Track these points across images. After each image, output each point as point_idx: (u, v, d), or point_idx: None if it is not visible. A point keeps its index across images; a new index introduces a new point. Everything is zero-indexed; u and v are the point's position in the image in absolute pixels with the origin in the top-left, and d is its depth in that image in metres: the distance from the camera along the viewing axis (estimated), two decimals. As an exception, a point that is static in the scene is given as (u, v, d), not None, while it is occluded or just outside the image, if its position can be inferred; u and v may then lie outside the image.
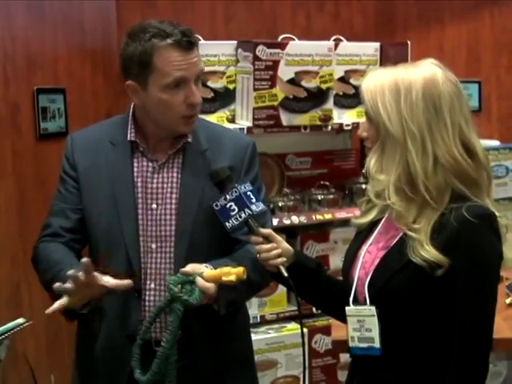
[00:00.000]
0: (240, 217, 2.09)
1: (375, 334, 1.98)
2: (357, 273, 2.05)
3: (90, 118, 3.46)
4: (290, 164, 4.02)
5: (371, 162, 1.98)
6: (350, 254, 2.14)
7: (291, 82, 3.60)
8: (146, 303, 2.30)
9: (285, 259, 2.10)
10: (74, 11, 3.54)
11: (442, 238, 1.89)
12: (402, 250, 1.92)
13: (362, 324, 2.01)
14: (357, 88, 3.79)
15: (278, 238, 2.12)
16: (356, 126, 3.80)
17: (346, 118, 3.87)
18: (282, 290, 3.72)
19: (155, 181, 2.31)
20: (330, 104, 3.73)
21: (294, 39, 3.70)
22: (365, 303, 2.00)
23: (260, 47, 3.49)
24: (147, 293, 2.30)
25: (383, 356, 1.98)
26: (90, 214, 2.33)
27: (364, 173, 2.02)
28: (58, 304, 2.05)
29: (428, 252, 1.88)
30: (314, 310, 3.71)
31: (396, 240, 1.98)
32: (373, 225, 2.09)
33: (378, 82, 1.96)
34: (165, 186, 2.31)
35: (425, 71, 1.95)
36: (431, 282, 1.89)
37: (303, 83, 3.63)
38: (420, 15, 4.63)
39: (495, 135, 4.55)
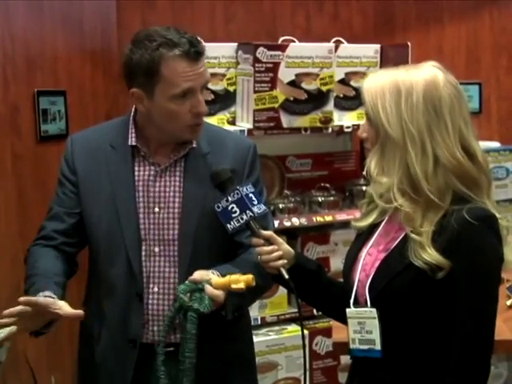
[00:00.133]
0: (241, 219, 2.10)
1: (376, 336, 1.98)
2: (357, 275, 2.05)
3: (90, 120, 3.46)
4: (290, 166, 4.02)
5: (371, 163, 1.98)
6: (350, 256, 2.14)
7: (291, 84, 3.60)
8: (149, 307, 2.30)
9: (285, 261, 2.10)
10: (74, 11, 3.53)
11: (443, 240, 1.88)
12: (403, 253, 1.92)
13: (362, 326, 2.00)
14: (357, 90, 3.80)
15: (279, 239, 2.12)
16: (356, 128, 3.79)
17: (346, 120, 3.87)
18: (282, 291, 3.71)
19: (157, 184, 2.31)
20: (330, 106, 3.73)
21: (294, 41, 3.70)
22: (365, 305, 2.00)
23: (260, 49, 3.50)
24: (150, 296, 2.30)
25: (384, 358, 1.98)
26: (89, 217, 2.33)
27: (364, 174, 2.02)
28: (7, 332, 2.03)
29: (430, 255, 1.87)
30: (314, 311, 3.71)
31: (397, 242, 1.98)
32: (373, 227, 2.09)
33: (378, 83, 1.96)
34: (167, 190, 2.31)
35: (426, 73, 1.95)
36: (432, 285, 1.89)
37: (303, 85, 3.63)
38: (419, 16, 4.63)
39: (495, 137, 4.56)
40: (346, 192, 4.01)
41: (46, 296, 2.08)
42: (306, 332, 3.65)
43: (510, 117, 4.83)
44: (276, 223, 3.43)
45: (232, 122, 3.62)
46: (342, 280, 2.17)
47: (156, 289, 2.30)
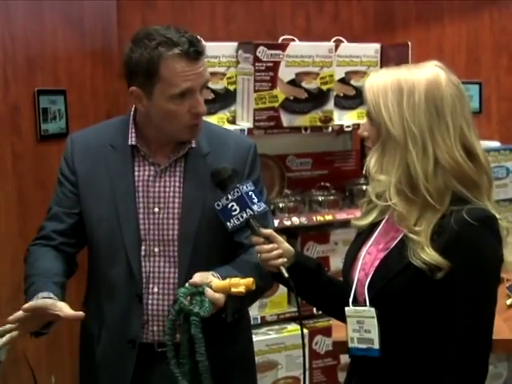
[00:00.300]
0: (241, 217, 2.10)
1: (374, 335, 1.98)
2: (357, 274, 2.05)
3: (90, 119, 3.46)
4: (290, 165, 4.02)
5: (371, 161, 1.98)
6: (350, 254, 2.14)
7: (292, 83, 3.60)
8: (149, 307, 2.30)
9: (285, 260, 2.10)
10: (74, 11, 3.53)
11: (442, 240, 1.88)
12: (402, 252, 1.92)
13: (361, 325, 2.01)
14: (357, 89, 3.80)
15: (279, 238, 2.12)
16: (356, 127, 3.80)
17: (346, 119, 3.87)
18: (282, 291, 3.71)
19: (157, 185, 2.31)
20: (330, 105, 3.73)
21: (294, 40, 3.70)
22: (364, 304, 2.00)
23: (260, 48, 3.50)
24: (150, 296, 2.30)
25: (382, 357, 1.98)
26: (89, 217, 2.33)
27: (364, 173, 2.02)
28: (9, 337, 2.04)
29: (428, 255, 1.87)
30: (314, 311, 3.72)
31: (396, 242, 1.98)
32: (373, 226, 2.09)
33: (380, 82, 1.96)
34: (167, 190, 2.30)
35: (428, 73, 1.95)
36: (431, 285, 1.89)
37: (304, 84, 3.63)
38: (419, 16, 4.63)
39: (495, 136, 4.55)
40: (346, 191, 4.01)
41: (44, 297, 2.08)
42: (305, 331, 3.65)
43: (510, 116, 4.83)
44: (276, 222, 3.43)
45: (232, 121, 3.62)
46: (341, 279, 2.18)
47: (156, 289, 2.30)
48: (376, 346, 1.98)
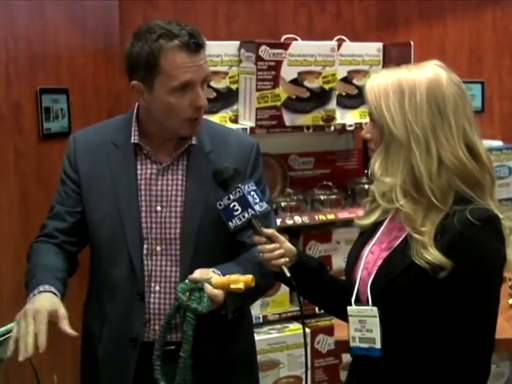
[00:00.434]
0: (243, 217, 2.10)
1: (376, 334, 1.98)
2: (359, 273, 2.05)
3: (93, 118, 3.46)
4: (292, 164, 4.02)
5: (376, 164, 1.98)
6: (352, 254, 2.14)
7: (294, 82, 3.60)
8: (151, 306, 2.30)
9: (287, 259, 2.10)
10: (77, 11, 3.54)
11: (445, 240, 1.88)
12: (405, 252, 1.92)
13: (363, 324, 2.01)
14: (360, 88, 3.80)
15: (281, 238, 2.12)
16: (359, 126, 3.80)
17: (348, 118, 3.87)
18: (284, 290, 3.71)
19: (159, 183, 2.30)
20: (332, 104, 3.73)
21: (296, 39, 3.70)
22: (367, 303, 2.00)
23: (263, 47, 3.49)
24: (152, 295, 2.30)
25: (384, 357, 1.98)
26: (92, 216, 2.33)
27: (367, 173, 2.02)
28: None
29: (431, 254, 1.87)
30: (316, 310, 3.72)
31: (399, 241, 1.98)
32: (376, 225, 2.09)
33: (381, 83, 1.96)
34: (169, 188, 2.30)
35: (429, 73, 1.95)
36: (434, 284, 1.89)
37: (306, 83, 3.63)
38: (422, 15, 4.63)
39: (498, 135, 4.56)
40: (348, 190, 4.00)
41: (46, 289, 2.09)
42: (307, 330, 3.66)
43: (512, 116, 4.84)
44: (278, 221, 3.43)
45: (234, 121, 3.62)
46: (344, 278, 2.18)
47: (158, 288, 2.30)
48: (378, 345, 1.98)
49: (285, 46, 3.56)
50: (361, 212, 2.23)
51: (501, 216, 1.94)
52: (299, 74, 3.60)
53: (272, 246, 2.09)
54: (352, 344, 2.04)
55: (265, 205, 2.13)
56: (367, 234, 2.10)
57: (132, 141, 2.31)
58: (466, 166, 1.91)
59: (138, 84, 2.22)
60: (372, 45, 3.90)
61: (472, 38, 4.75)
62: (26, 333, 1.99)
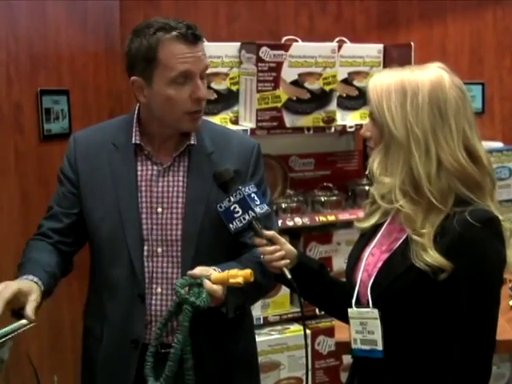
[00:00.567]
0: (244, 219, 2.09)
1: (378, 336, 1.98)
2: (360, 275, 2.05)
3: (93, 119, 3.46)
4: (293, 165, 4.02)
5: (374, 163, 1.98)
6: (353, 255, 2.14)
7: (294, 83, 3.60)
8: (152, 307, 2.30)
9: (288, 261, 2.10)
10: (77, 11, 3.54)
11: (445, 242, 1.88)
12: (406, 254, 1.92)
13: (364, 326, 2.00)
14: (360, 90, 3.80)
15: (282, 239, 2.12)
16: (359, 127, 3.78)
17: (349, 119, 3.87)
18: (285, 291, 3.72)
19: (160, 184, 2.30)
20: (333, 106, 3.73)
21: (297, 41, 3.70)
22: (367, 306, 2.00)
23: (263, 49, 3.49)
24: (153, 297, 2.30)
25: (385, 358, 1.98)
26: (92, 217, 2.33)
27: (367, 174, 2.02)
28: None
29: (431, 256, 1.87)
30: (317, 311, 3.72)
31: (399, 243, 1.98)
32: (376, 227, 2.09)
33: (384, 82, 1.96)
34: (170, 189, 2.30)
35: (432, 75, 1.95)
36: (434, 286, 1.89)
37: (306, 85, 3.63)
38: (422, 16, 4.62)
39: (498, 137, 4.55)
40: (348, 192, 4.01)
41: (28, 279, 2.08)
42: (308, 332, 3.65)
43: (513, 117, 4.83)
44: (279, 223, 3.43)
45: (235, 122, 3.62)
46: (344, 279, 2.18)
47: (159, 289, 2.29)
48: (379, 347, 1.98)
49: (285, 47, 3.56)
50: (361, 213, 2.23)
51: (501, 217, 1.94)
52: (300, 75, 3.60)
53: (272, 247, 2.09)
54: (354, 346, 2.04)
55: (265, 207, 2.13)
56: (367, 235, 2.10)
57: (133, 141, 2.31)
58: (465, 168, 1.91)
59: (137, 79, 2.22)
60: (372, 46, 3.90)
61: (473, 39, 4.75)
62: None
